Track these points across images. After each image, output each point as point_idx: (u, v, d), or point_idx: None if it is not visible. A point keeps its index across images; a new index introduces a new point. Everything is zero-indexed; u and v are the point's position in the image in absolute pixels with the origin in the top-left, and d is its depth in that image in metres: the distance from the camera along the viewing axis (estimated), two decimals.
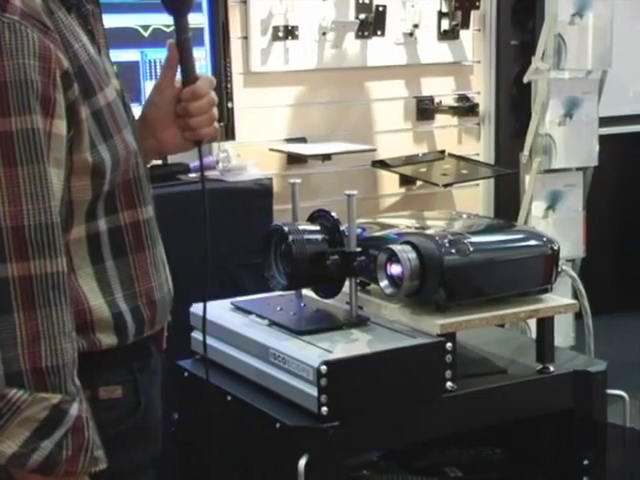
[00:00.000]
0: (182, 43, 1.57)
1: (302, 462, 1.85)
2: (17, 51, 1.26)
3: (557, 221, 3.90)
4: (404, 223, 2.28)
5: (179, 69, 1.58)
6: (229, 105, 3.28)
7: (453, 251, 2.01)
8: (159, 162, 3.02)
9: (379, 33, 3.80)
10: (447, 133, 4.13)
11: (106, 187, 1.39)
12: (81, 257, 1.38)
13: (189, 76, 1.57)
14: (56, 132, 1.31)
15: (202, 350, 2.22)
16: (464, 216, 2.40)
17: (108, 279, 1.42)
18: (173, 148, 1.63)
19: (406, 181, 4.03)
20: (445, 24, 3.95)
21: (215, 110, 1.59)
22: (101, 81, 1.39)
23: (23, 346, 1.26)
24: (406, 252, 2.01)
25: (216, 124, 1.60)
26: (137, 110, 1.60)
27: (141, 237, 1.46)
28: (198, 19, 3.17)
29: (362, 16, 3.75)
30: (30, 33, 1.28)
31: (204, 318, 1.71)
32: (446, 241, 2.02)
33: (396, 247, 2.02)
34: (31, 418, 1.27)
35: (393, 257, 2.02)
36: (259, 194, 3.21)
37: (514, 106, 4.25)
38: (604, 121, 4.03)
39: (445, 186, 3.80)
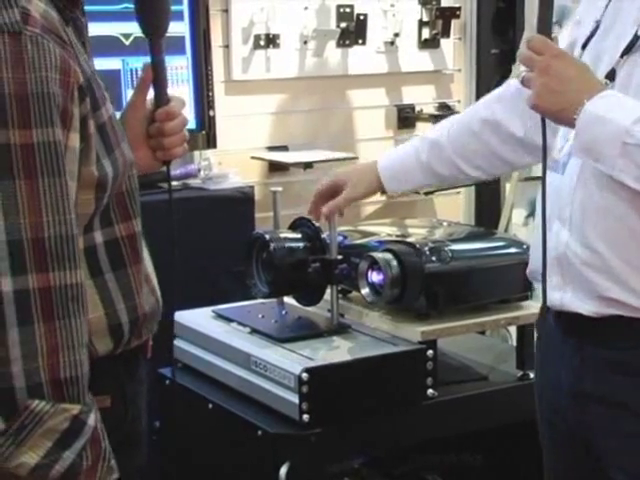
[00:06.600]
0: (157, 64, 1.58)
1: (284, 469, 1.86)
2: (39, 64, 1.28)
3: None
4: (385, 231, 2.29)
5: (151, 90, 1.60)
6: (210, 113, 3.28)
7: (434, 259, 2.02)
8: None
9: (360, 42, 3.80)
10: None
11: (105, 200, 1.41)
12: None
13: (162, 97, 1.59)
14: (72, 145, 1.32)
15: (184, 358, 2.23)
16: (445, 224, 2.41)
17: (109, 291, 1.43)
18: (142, 168, 1.64)
19: None
20: (426, 33, 3.95)
21: (186, 130, 1.62)
22: (103, 94, 1.41)
23: (43, 357, 1.27)
24: (387, 260, 2.01)
25: (185, 144, 1.63)
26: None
27: (137, 249, 1.48)
28: (179, 27, 3.16)
29: (343, 25, 3.75)
30: (52, 47, 1.29)
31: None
32: (427, 249, 2.03)
33: (377, 255, 2.03)
34: (53, 429, 1.28)
35: (374, 265, 2.03)
36: (241, 202, 3.20)
37: None
38: None
39: (426, 194, 3.80)
